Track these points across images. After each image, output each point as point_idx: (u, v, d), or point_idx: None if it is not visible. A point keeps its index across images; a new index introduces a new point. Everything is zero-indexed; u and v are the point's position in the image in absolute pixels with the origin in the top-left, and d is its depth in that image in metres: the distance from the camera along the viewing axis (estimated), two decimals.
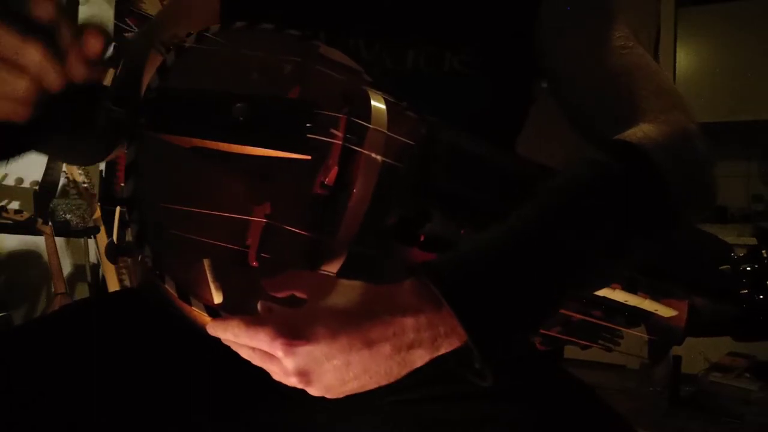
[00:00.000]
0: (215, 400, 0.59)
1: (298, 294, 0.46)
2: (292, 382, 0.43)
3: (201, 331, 0.47)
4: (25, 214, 2.05)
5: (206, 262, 0.46)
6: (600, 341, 0.58)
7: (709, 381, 2.03)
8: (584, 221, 0.47)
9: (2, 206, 2.04)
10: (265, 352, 0.42)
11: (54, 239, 2.13)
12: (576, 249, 0.46)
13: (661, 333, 0.58)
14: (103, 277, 2.34)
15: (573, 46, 0.65)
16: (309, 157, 0.49)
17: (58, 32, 0.42)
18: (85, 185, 2.28)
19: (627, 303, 0.55)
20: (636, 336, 0.59)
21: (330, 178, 0.50)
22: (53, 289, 2.15)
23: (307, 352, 0.41)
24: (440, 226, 0.50)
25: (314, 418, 0.60)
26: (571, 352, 0.60)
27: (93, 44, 0.44)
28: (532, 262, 0.45)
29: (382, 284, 0.45)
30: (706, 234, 0.58)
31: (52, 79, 0.43)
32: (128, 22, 2.74)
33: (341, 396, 0.44)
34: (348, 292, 0.44)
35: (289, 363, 0.41)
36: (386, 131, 0.51)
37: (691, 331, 0.58)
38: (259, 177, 0.50)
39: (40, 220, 2.06)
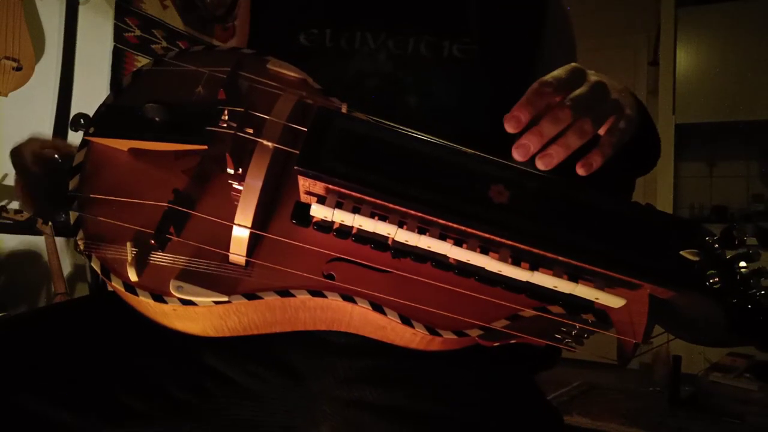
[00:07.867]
0: (167, 388, 0.59)
1: None
2: None
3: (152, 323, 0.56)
4: (25, 214, 2.05)
5: (129, 244, 0.53)
6: (557, 336, 0.53)
7: (709, 381, 2.03)
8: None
9: (2, 206, 2.05)
10: None
11: (54, 239, 2.13)
12: None
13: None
14: None
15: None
16: (205, 147, 0.56)
17: None
18: None
19: (556, 289, 0.50)
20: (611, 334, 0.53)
21: (229, 165, 0.56)
22: (53, 289, 2.15)
23: None
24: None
25: (271, 418, 0.61)
26: (568, 351, 0.58)
27: None
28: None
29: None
30: (669, 216, 0.52)
31: None
32: (128, 22, 2.74)
33: None
34: None
35: None
36: (284, 121, 0.56)
37: (668, 327, 0.53)
38: (183, 170, 0.58)
39: (40, 220, 2.06)
